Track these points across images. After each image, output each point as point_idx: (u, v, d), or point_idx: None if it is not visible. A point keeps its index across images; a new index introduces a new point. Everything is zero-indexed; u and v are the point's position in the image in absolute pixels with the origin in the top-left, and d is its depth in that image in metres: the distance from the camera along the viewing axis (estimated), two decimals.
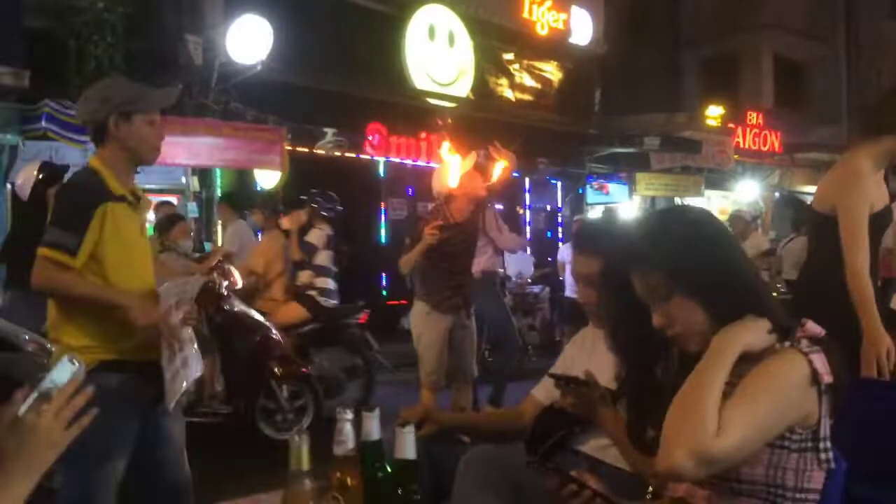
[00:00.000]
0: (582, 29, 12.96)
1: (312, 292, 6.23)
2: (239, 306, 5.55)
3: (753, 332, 1.51)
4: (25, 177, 5.12)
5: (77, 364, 1.29)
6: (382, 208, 11.18)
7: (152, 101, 2.62)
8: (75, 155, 7.90)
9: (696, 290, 1.55)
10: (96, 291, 2.49)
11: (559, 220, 13.76)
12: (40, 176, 4.96)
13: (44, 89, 7.28)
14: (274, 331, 5.55)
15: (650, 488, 1.75)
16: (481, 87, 11.90)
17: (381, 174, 11.02)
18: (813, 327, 1.55)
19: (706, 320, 1.55)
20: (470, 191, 4.70)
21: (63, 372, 1.26)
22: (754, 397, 1.42)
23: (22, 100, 7.36)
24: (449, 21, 11.21)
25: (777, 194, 15.33)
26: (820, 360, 1.47)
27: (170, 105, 2.89)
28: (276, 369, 5.36)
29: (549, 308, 10.19)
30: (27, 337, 3.87)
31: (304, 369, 5.60)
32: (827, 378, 1.46)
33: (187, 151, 7.80)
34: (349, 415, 1.58)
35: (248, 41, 8.42)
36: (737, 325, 1.51)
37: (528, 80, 12.84)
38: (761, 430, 1.43)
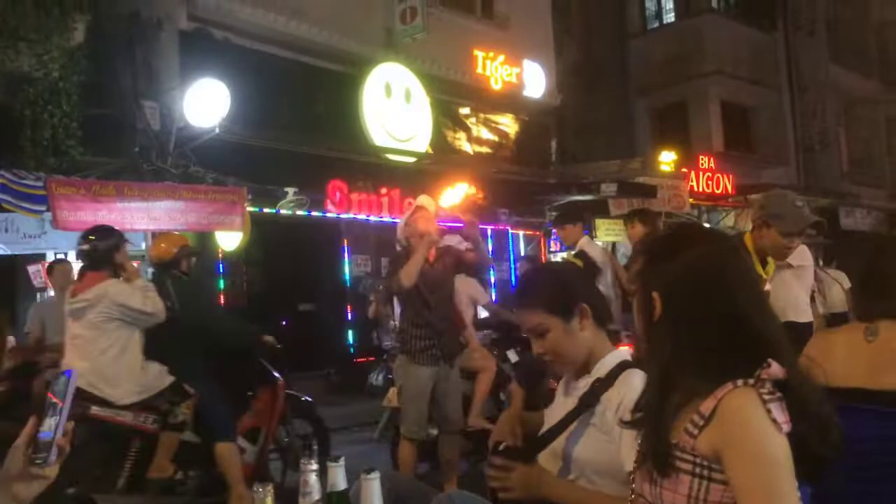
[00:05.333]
0: (535, 82, 13.27)
1: None
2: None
3: None
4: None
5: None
6: (346, 265, 11.15)
7: (788, 224, 3.43)
8: (31, 225, 7.79)
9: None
10: None
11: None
12: None
13: None
14: None
15: None
16: (439, 142, 12.07)
17: (344, 231, 11.01)
18: (777, 369, 1.50)
19: None
20: (434, 231, 4.77)
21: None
22: (779, 493, 1.42)
23: None
24: (405, 78, 11.40)
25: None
26: (778, 409, 1.47)
27: (798, 231, 3.51)
28: None
29: None
30: None
31: None
32: (786, 427, 1.46)
33: (147, 216, 7.71)
34: (314, 465, 1.57)
35: (205, 104, 8.45)
36: None
37: (486, 133, 13.06)
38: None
